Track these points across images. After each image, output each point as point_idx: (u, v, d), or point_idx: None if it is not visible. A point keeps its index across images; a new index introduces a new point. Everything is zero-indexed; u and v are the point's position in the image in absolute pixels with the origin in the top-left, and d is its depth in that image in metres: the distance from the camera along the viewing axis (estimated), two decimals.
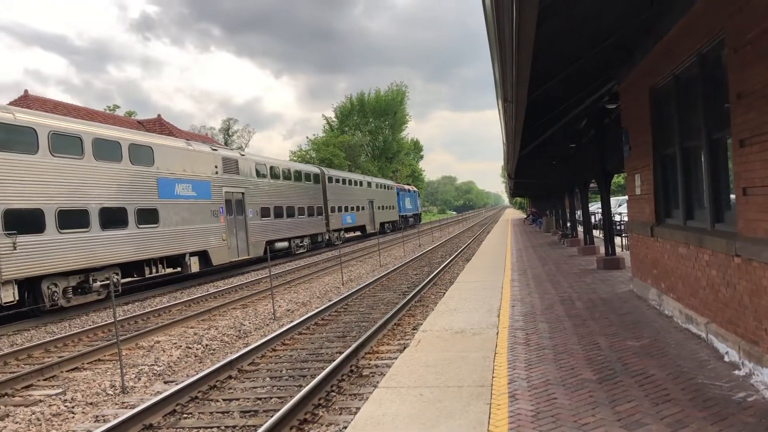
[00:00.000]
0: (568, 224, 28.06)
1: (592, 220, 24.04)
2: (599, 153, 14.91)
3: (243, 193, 27.45)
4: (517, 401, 5.63)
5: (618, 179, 38.18)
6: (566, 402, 5.51)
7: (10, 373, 10.51)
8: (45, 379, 9.97)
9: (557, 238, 28.79)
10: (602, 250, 17.48)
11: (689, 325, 7.75)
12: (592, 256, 18.60)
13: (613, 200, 29.10)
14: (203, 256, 23.64)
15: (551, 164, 21.40)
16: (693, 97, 7.28)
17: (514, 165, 17.71)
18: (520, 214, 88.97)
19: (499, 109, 9.23)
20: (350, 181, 46.70)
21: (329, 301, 16.42)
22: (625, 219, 23.02)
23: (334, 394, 7.93)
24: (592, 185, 21.62)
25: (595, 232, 24.01)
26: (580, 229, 26.40)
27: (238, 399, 8.13)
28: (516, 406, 5.49)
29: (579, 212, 26.97)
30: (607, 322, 8.87)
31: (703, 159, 7.10)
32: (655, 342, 7.42)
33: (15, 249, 14.98)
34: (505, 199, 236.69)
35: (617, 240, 19.13)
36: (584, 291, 11.97)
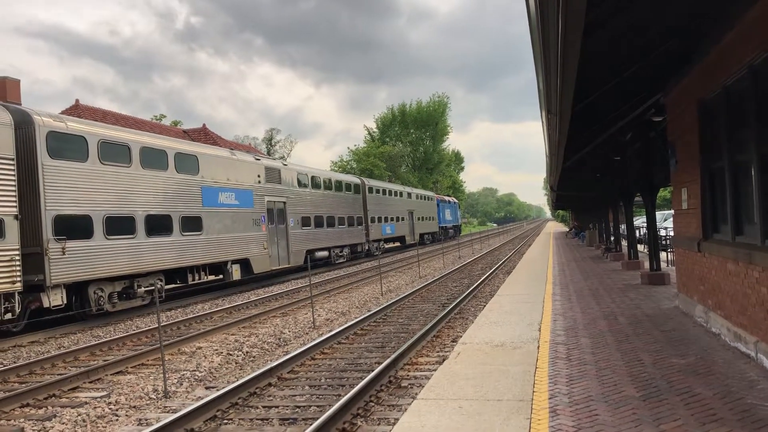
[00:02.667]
0: (612, 238, 27.59)
1: (637, 235, 23.58)
2: (644, 166, 14.66)
3: (284, 203, 27.73)
4: (558, 416, 5.55)
5: (663, 193, 37.44)
6: (609, 419, 5.41)
7: (58, 375, 10.79)
8: (90, 382, 10.19)
9: (600, 253, 28.33)
10: (647, 265, 17.14)
11: (738, 343, 7.55)
12: (636, 270, 18.25)
13: (658, 214, 28.53)
14: (245, 264, 23.93)
15: (595, 177, 21.13)
16: (744, 110, 7.11)
17: (557, 178, 17.53)
18: (563, 228, 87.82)
19: (542, 121, 9.17)
20: (390, 191, 46.78)
21: (368, 311, 16.44)
22: (671, 233, 22.56)
23: (372, 404, 7.93)
24: (636, 199, 21.24)
25: (639, 247, 23.55)
26: (623, 243, 25.96)
27: (277, 406, 8.19)
28: (557, 422, 5.42)
29: (623, 226, 26.53)
30: (651, 338, 8.69)
31: (753, 173, 6.92)
32: (702, 360, 7.24)
33: (64, 254, 15.39)
34: (547, 211, 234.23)
35: (662, 255, 18.73)
36: (628, 306, 11.75)
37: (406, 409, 6.40)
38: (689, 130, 9.33)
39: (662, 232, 23.16)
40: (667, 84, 10.27)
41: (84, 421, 8.05)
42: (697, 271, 9.54)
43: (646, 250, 23.00)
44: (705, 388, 6.13)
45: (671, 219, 31.55)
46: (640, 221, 31.39)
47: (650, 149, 14.22)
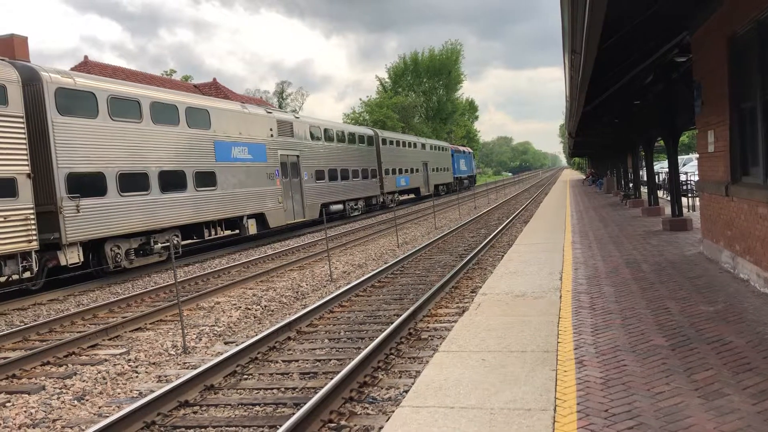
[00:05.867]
0: (631, 185, 27.17)
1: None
2: (667, 109, 14.22)
3: (298, 156, 27.48)
4: (585, 368, 5.39)
5: (682, 138, 36.65)
6: (637, 369, 5.25)
7: (78, 332, 10.80)
8: (110, 339, 10.19)
9: (619, 199, 27.97)
10: (667, 210, 16.82)
11: None
12: (656, 217, 17.95)
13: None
14: (260, 218, 23.86)
15: (614, 122, 20.65)
16: None
17: (576, 123, 17.12)
18: (579, 175, 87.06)
19: (564, 64, 8.80)
20: (404, 142, 46.29)
21: (385, 263, 16.33)
22: (691, 178, 22.13)
23: (393, 357, 7.83)
24: (655, 144, 20.79)
25: (659, 193, 23.15)
26: (642, 189, 25.56)
27: (297, 360, 8.12)
28: (584, 373, 5.26)
29: (642, 172, 26.08)
30: (676, 285, 8.48)
31: None
32: (731, 307, 7.03)
33: (78, 212, 15.33)
34: (563, 159, 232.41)
35: (683, 200, 18.38)
36: (650, 253, 11.52)
37: (427, 362, 6.28)
38: (717, 69, 8.92)
39: (682, 177, 22.75)
40: (693, 21, 9.80)
41: (104, 378, 8.04)
42: (723, 216, 9.26)
43: (665, 196, 22.63)
44: (736, 336, 5.93)
45: (690, 163, 30.94)
46: (657, 167, 30.89)
47: (673, 91, 13.77)
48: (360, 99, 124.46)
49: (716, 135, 9.41)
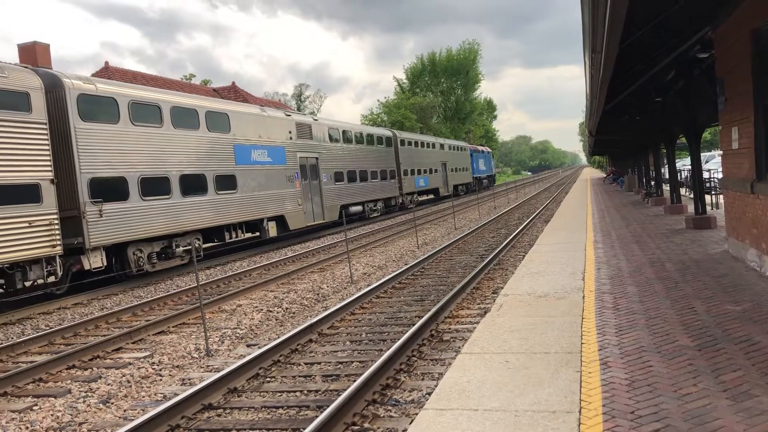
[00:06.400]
0: (653, 183, 26.90)
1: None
2: (688, 106, 14.06)
3: (317, 158, 27.55)
4: (610, 369, 5.34)
5: (704, 135, 36.30)
6: (663, 370, 5.18)
7: (102, 336, 10.91)
8: (133, 342, 10.28)
9: (641, 198, 27.70)
10: (690, 208, 16.63)
11: None
12: (679, 215, 17.74)
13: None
14: (280, 220, 23.95)
15: (634, 120, 20.45)
16: None
17: (596, 121, 16.98)
18: (599, 174, 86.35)
19: (585, 62, 8.73)
20: (423, 143, 46.21)
21: (405, 264, 16.32)
22: (714, 176, 21.86)
23: (415, 359, 7.81)
24: (677, 142, 20.57)
25: (681, 191, 22.89)
26: (664, 187, 25.30)
27: (319, 363, 8.13)
28: (609, 374, 5.21)
29: (663, 170, 25.82)
30: (701, 284, 8.38)
31: None
32: (758, 306, 6.92)
33: (101, 216, 15.49)
34: (583, 158, 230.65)
35: (706, 198, 18.14)
36: (674, 252, 11.38)
37: (450, 364, 6.27)
38: (741, 64, 8.80)
39: (705, 174, 22.48)
40: (716, 17, 9.67)
41: (128, 381, 8.11)
42: (749, 214, 9.13)
43: (688, 194, 22.38)
44: (764, 336, 5.84)
45: (713, 160, 30.56)
46: (679, 164, 30.56)
47: (694, 88, 13.60)
48: (378, 100, 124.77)
49: (740, 132, 9.28)
